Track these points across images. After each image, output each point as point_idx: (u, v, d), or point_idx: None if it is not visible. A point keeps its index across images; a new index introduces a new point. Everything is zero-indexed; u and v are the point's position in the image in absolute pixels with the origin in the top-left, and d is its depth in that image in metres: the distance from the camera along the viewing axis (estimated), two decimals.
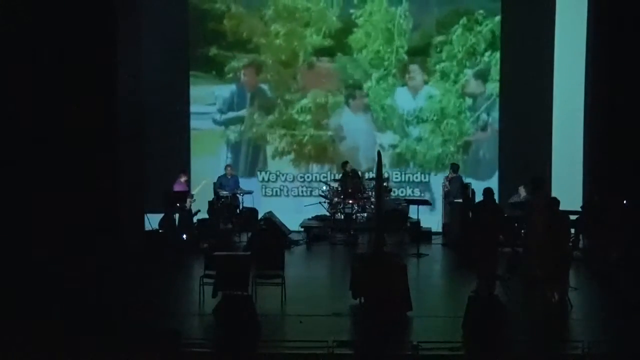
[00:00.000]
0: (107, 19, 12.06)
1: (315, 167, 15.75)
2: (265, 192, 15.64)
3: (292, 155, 15.75)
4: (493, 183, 15.23)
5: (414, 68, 15.46)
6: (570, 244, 11.52)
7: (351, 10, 15.40)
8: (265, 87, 15.70)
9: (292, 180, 15.72)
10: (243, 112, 15.74)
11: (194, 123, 15.64)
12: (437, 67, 15.39)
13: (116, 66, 12.49)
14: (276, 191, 15.71)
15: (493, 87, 15.36)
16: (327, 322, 8.94)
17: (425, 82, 15.46)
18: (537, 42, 14.91)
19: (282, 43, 15.51)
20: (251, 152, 15.79)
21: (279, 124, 15.72)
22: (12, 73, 11.34)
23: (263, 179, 15.70)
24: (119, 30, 12.49)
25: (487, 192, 10.54)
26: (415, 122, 15.55)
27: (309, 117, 15.66)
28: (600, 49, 14.14)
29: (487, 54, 15.29)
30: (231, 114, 15.76)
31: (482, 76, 15.39)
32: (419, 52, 15.43)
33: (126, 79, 12.81)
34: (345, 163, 14.87)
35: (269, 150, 15.77)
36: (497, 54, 15.24)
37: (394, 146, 15.60)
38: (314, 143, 15.71)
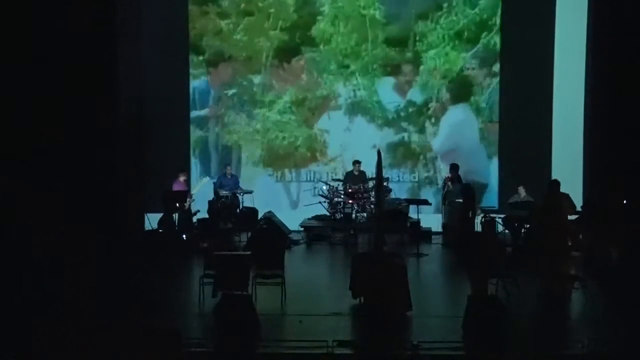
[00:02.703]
0: (107, 15, 12.06)
1: (291, 172, 15.62)
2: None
3: (263, 159, 15.63)
4: (494, 183, 15.31)
5: (402, 59, 15.32)
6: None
7: None
8: (233, 85, 15.55)
9: (293, 180, 15.72)
10: (206, 112, 15.63)
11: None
12: (427, 54, 15.27)
13: (116, 64, 12.50)
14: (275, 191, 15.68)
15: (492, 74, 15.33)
16: (327, 322, 8.93)
17: (415, 74, 15.37)
18: (537, 41, 14.90)
19: (243, 38, 15.32)
20: (221, 154, 15.66)
21: (250, 125, 15.59)
22: (12, 71, 11.34)
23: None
24: (118, 28, 12.49)
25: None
26: (408, 116, 15.47)
27: (285, 116, 15.52)
28: (600, 48, 14.13)
29: (484, 35, 15.19)
30: (195, 113, 15.62)
31: (481, 62, 15.31)
32: (400, 42, 15.27)
33: (126, 77, 12.81)
34: (356, 162, 14.78)
35: (241, 152, 15.65)
36: (495, 38, 15.18)
37: (392, 144, 15.54)
38: (292, 145, 15.56)
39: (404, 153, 15.50)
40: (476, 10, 15.17)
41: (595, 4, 14.40)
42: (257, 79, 15.48)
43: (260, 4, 15.28)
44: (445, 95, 15.36)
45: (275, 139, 15.57)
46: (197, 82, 15.54)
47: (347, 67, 15.35)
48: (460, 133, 15.37)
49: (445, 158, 15.25)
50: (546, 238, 10.04)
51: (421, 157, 15.50)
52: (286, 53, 15.37)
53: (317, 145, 15.60)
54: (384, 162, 14.59)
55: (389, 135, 15.49)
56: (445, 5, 15.17)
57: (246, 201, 14.69)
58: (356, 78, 15.37)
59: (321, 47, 15.32)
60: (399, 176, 15.53)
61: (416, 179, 15.56)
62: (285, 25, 15.28)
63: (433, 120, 15.41)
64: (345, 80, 15.41)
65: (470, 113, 15.40)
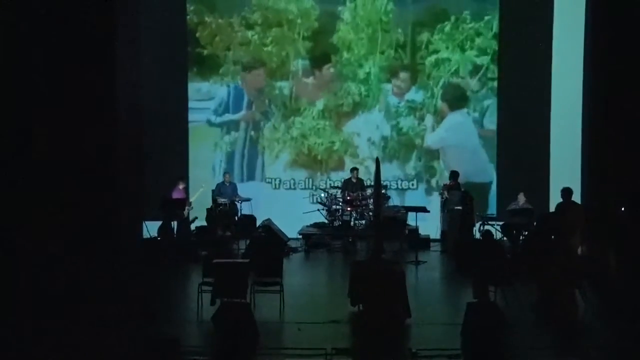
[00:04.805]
0: (106, 18, 12.08)
1: (315, 176, 15.72)
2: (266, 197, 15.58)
3: (289, 161, 15.73)
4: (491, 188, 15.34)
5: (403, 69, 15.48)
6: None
7: (339, 8, 15.42)
8: (263, 92, 15.67)
9: (292, 188, 15.73)
10: (239, 116, 15.76)
11: (192, 125, 15.72)
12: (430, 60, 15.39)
13: (115, 70, 12.50)
14: (275, 197, 15.69)
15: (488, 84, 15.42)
16: (326, 330, 8.92)
17: (414, 82, 15.48)
18: (535, 42, 14.94)
19: (272, 49, 15.52)
20: (247, 157, 15.77)
21: (279, 131, 15.72)
22: (11, 74, 11.34)
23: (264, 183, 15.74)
24: (118, 31, 12.51)
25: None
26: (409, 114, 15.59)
27: (320, 122, 15.66)
28: (598, 49, 14.12)
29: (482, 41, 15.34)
30: (227, 117, 15.75)
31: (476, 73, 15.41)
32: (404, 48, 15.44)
33: (125, 84, 12.82)
34: (354, 169, 14.82)
35: (268, 156, 15.76)
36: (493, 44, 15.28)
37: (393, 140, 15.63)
38: (315, 151, 15.69)
39: (405, 150, 15.60)
40: (476, 19, 15.25)
41: (593, 9, 14.40)
42: (287, 87, 15.63)
43: (289, 16, 15.44)
44: (444, 100, 15.47)
45: (308, 145, 15.70)
46: (231, 87, 15.70)
47: (368, 72, 15.53)
48: (461, 134, 15.48)
49: (447, 154, 15.43)
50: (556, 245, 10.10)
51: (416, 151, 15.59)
52: (315, 61, 15.57)
53: (351, 150, 15.70)
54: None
55: (388, 130, 15.60)
56: (448, 14, 15.29)
57: (245, 209, 14.72)
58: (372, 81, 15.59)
59: (344, 53, 15.49)
60: (397, 181, 15.56)
61: (415, 186, 15.58)
62: (308, 34, 15.46)
63: (436, 120, 15.55)
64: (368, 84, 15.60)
65: (469, 119, 15.49)
